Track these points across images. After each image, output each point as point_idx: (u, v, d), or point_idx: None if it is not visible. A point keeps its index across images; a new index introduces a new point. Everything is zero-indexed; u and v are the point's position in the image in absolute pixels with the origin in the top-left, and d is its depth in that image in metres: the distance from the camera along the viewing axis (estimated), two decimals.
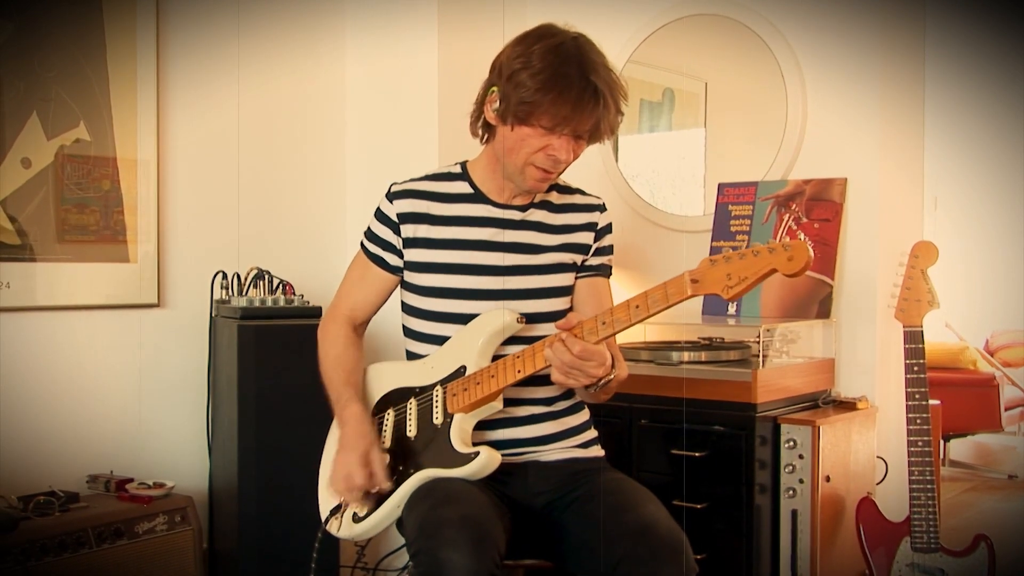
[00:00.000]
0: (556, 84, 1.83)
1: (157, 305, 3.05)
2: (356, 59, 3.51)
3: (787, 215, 3.01)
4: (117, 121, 2.93)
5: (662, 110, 3.54)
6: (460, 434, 1.90)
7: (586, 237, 2.10)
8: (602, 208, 2.13)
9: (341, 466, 1.92)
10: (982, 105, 7.06)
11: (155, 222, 3.02)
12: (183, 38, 3.10)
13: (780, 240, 1.70)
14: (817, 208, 2.98)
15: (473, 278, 2.01)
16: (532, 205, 2.07)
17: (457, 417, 1.91)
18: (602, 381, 1.87)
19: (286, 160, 3.40)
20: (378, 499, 1.94)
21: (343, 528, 1.97)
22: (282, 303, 2.96)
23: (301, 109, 3.43)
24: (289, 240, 3.38)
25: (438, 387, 1.95)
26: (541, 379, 1.92)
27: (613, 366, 1.88)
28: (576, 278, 2.10)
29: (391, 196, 2.06)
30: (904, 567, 2.64)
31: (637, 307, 1.78)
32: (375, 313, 2.18)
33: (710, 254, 3.06)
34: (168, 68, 3.06)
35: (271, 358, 2.84)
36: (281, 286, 3.03)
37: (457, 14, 3.32)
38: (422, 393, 1.97)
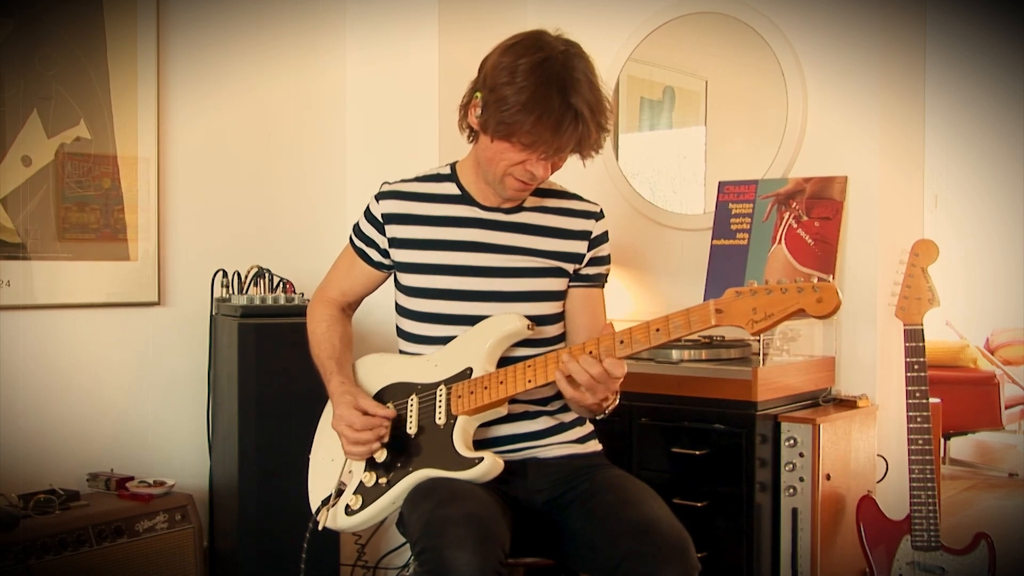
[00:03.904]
0: (537, 106, 1.81)
1: (157, 303, 3.05)
2: (357, 58, 3.51)
3: (788, 213, 3.01)
4: (117, 119, 2.92)
5: (662, 108, 3.54)
6: (463, 437, 1.89)
7: (579, 246, 2.08)
8: (598, 216, 2.11)
9: (337, 422, 1.95)
10: (982, 102, 7.06)
11: (155, 220, 3.02)
12: (184, 36, 3.10)
13: (809, 280, 1.67)
14: (817, 206, 2.98)
15: (460, 279, 2.01)
16: (522, 208, 2.06)
17: (461, 419, 1.90)
18: (609, 407, 1.90)
19: (287, 158, 3.40)
20: (376, 491, 1.94)
21: (339, 519, 1.97)
22: (282, 301, 2.96)
23: (302, 108, 3.43)
24: (290, 238, 3.38)
25: (442, 386, 1.95)
26: None
27: None
28: (570, 285, 2.10)
29: (379, 196, 2.07)
30: (904, 565, 2.64)
31: (657, 330, 1.77)
32: (362, 300, 2.21)
33: (710, 252, 3.10)
34: (169, 66, 3.06)
35: (271, 356, 2.84)
36: (281, 284, 3.03)
37: (457, 14, 3.32)
38: (424, 391, 1.97)
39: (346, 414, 1.93)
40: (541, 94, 1.81)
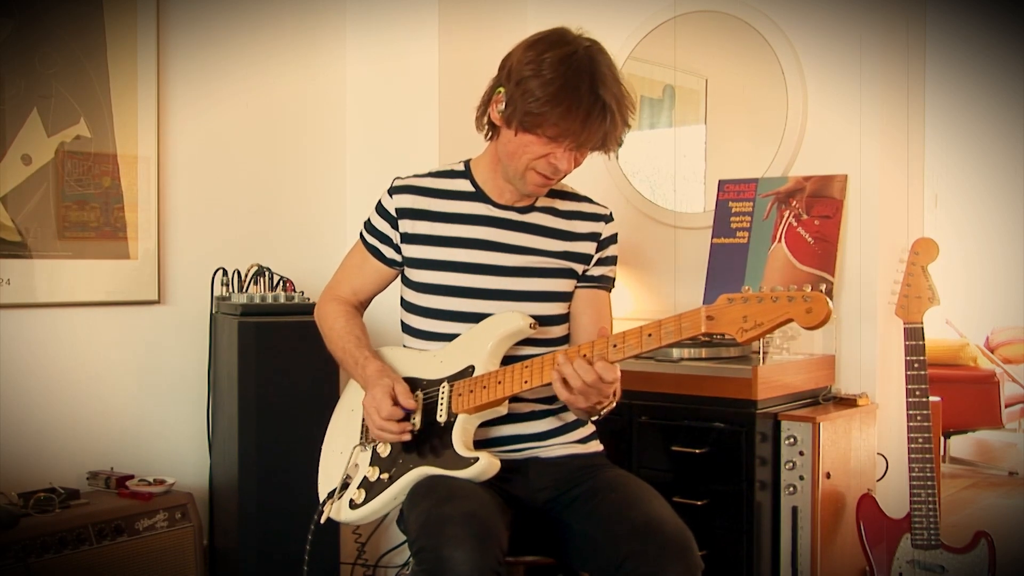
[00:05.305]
0: (566, 98, 1.82)
1: (157, 302, 3.04)
2: (357, 58, 3.51)
3: (787, 212, 3.01)
4: (117, 118, 2.92)
5: (663, 107, 3.54)
6: (462, 436, 1.90)
7: (588, 247, 2.09)
8: (608, 218, 2.12)
9: (368, 404, 1.93)
10: (982, 102, 7.06)
11: (155, 219, 3.02)
12: (183, 35, 3.09)
13: (801, 289, 1.67)
14: (817, 205, 2.98)
15: (470, 276, 2.01)
16: (534, 208, 2.06)
17: (461, 418, 1.91)
18: (604, 409, 1.89)
19: (287, 157, 3.40)
20: (378, 486, 1.95)
21: (343, 512, 1.98)
22: (282, 300, 2.96)
23: (302, 107, 3.43)
24: (289, 237, 3.38)
25: (445, 383, 1.95)
26: None
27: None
28: (576, 286, 2.10)
29: (392, 191, 2.07)
30: (905, 564, 2.64)
31: (650, 335, 1.77)
32: (372, 299, 2.19)
33: (710, 251, 3.10)
34: (169, 65, 3.06)
35: (271, 355, 2.84)
36: (281, 283, 3.03)
37: (457, 14, 3.32)
38: (429, 387, 1.97)
39: (379, 397, 1.91)
40: (570, 86, 1.82)
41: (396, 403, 1.91)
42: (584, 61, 1.84)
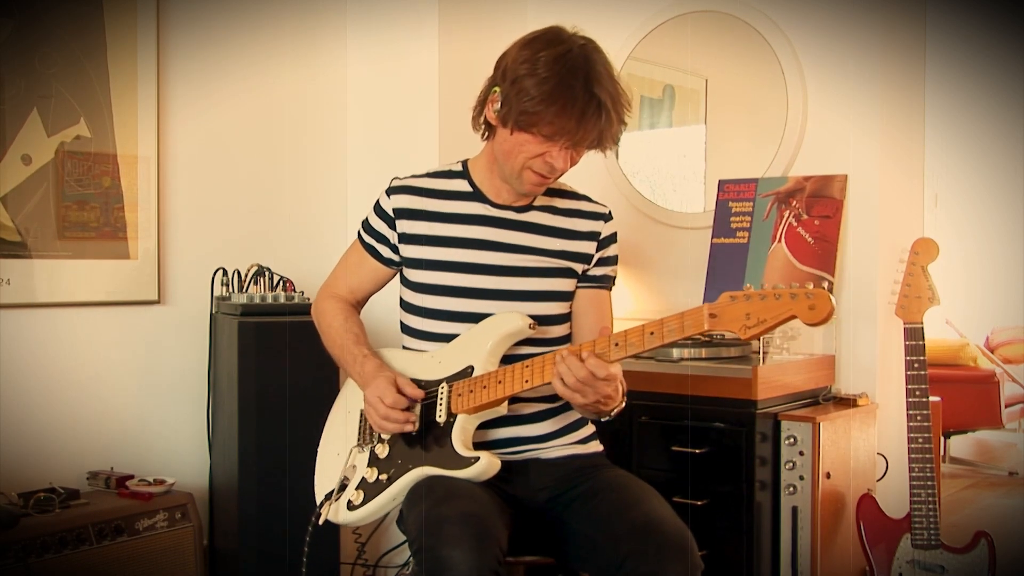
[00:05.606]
0: (560, 96, 1.82)
1: (157, 302, 3.05)
2: (358, 57, 3.51)
3: (787, 212, 3.01)
4: (118, 118, 2.92)
5: (663, 107, 3.54)
6: (462, 435, 1.90)
7: (588, 246, 2.09)
8: (607, 217, 2.12)
9: (371, 395, 1.93)
10: (982, 102, 7.06)
11: (155, 219, 3.02)
12: (184, 35, 3.09)
13: (804, 286, 1.67)
14: (818, 204, 2.98)
15: (468, 276, 2.01)
16: (532, 207, 2.06)
17: (460, 418, 1.91)
18: (613, 409, 1.89)
19: (287, 157, 3.40)
20: (377, 486, 1.95)
21: (341, 514, 1.97)
22: (282, 300, 2.96)
23: (303, 107, 3.43)
24: (290, 237, 3.38)
25: (444, 384, 1.95)
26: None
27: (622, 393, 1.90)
28: (577, 286, 2.10)
29: (390, 191, 2.07)
30: (904, 564, 2.64)
31: (652, 334, 1.77)
32: (369, 298, 2.20)
33: (710, 251, 3.10)
34: (169, 65, 3.06)
35: (271, 355, 2.84)
36: (281, 283, 3.03)
37: (457, 14, 3.32)
38: (428, 388, 1.97)
39: (383, 387, 1.91)
40: (565, 84, 1.82)
41: (400, 392, 1.91)
42: (579, 59, 1.84)
